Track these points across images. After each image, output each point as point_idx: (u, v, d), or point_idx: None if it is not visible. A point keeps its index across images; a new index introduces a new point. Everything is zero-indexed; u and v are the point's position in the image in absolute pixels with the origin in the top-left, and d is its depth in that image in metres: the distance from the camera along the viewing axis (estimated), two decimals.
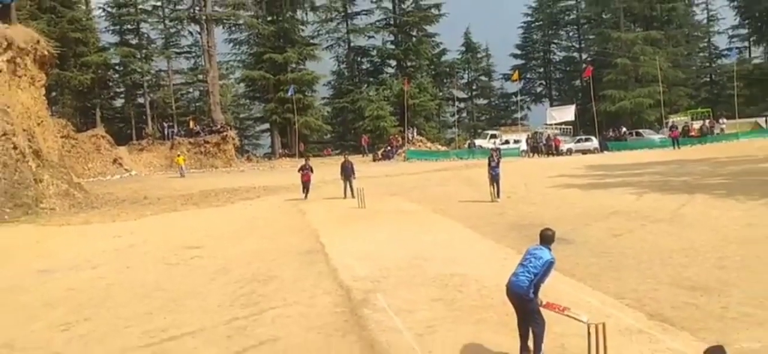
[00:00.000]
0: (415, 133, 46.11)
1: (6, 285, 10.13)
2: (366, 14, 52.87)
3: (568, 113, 43.44)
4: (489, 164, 17.10)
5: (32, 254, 12.79)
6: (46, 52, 24.47)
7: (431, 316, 7.27)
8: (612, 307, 7.26)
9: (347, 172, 19.17)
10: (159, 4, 48.61)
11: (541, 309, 5.72)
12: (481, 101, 60.93)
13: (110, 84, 50.12)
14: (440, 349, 6.27)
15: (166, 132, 44.32)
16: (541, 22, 58.45)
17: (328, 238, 12.48)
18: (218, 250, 12.08)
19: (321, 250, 11.38)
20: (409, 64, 52.31)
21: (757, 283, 7.89)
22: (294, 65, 49.54)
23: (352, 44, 53.61)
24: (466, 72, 59.60)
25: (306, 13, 52.08)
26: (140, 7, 48.22)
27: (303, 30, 52.39)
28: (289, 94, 44.62)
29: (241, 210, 18.50)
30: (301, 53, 49.76)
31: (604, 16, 51.69)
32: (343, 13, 53.18)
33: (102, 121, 45.47)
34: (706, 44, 55.80)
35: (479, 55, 59.27)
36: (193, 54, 50.46)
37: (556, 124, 43.08)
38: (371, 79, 53.95)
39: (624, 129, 42.31)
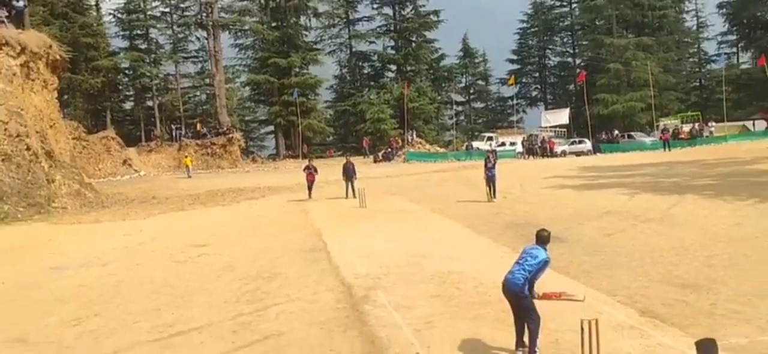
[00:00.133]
0: (414, 136, 46.49)
1: (20, 281, 10.32)
2: (367, 21, 53.50)
3: (562, 116, 44.05)
4: (486, 166, 17.26)
5: (45, 252, 12.97)
6: (58, 57, 24.86)
7: (430, 312, 7.32)
8: (604, 303, 7.33)
9: (349, 173, 19.34)
10: (167, 10, 49.32)
11: (537, 303, 5.80)
12: (479, 105, 61.29)
13: (120, 87, 50.70)
14: (438, 343, 6.32)
15: (174, 134, 44.89)
16: (536, 29, 58.65)
17: (331, 236, 12.58)
18: (224, 248, 12.21)
19: (323, 249, 11.48)
20: (408, 68, 52.68)
21: (745, 280, 7.96)
22: (297, 69, 50.00)
23: (353, 49, 54.13)
24: (464, 76, 59.96)
25: (309, 20, 52.77)
26: (149, 13, 48.86)
27: (306, 35, 53.03)
28: (293, 97, 45.07)
29: (246, 209, 18.66)
30: (304, 58, 50.25)
31: (597, 22, 51.65)
32: (345, 20, 53.62)
33: (112, 123, 45.90)
34: (695, 50, 56.04)
35: (476, 61, 59.61)
36: (200, 58, 51.20)
37: (550, 126, 43.42)
38: (372, 83, 54.45)
39: (616, 132, 42.60)
